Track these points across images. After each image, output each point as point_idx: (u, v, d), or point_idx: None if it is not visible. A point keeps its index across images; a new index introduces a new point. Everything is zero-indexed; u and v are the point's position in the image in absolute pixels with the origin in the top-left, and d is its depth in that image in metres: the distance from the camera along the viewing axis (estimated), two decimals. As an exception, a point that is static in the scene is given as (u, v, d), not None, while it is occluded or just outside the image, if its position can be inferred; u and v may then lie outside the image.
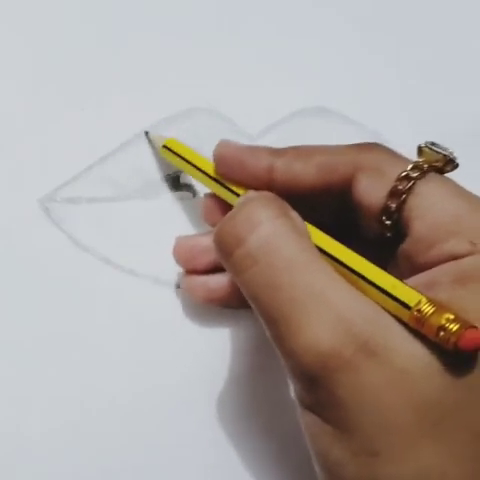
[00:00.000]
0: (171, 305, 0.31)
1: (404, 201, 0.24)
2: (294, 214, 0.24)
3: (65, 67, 0.34)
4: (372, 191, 0.24)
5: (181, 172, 0.32)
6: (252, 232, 0.22)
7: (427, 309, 0.20)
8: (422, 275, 0.23)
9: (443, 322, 0.19)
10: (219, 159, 0.27)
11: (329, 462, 0.21)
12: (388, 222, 0.24)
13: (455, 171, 0.25)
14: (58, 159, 0.32)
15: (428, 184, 0.24)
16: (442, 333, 0.19)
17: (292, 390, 0.22)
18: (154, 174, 0.32)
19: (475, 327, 0.19)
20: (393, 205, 0.24)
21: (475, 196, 0.24)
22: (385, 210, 0.24)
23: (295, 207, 0.24)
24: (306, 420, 0.22)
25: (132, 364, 0.30)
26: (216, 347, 0.30)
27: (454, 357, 0.20)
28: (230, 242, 0.23)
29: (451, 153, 0.25)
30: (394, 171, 0.24)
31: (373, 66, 0.35)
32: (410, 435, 0.20)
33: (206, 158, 0.29)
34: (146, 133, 0.33)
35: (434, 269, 0.22)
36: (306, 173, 0.25)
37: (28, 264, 0.31)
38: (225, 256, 0.23)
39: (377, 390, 0.20)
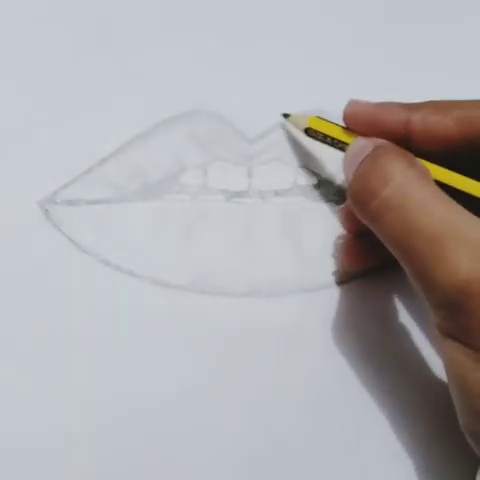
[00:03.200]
0: (171, 306, 0.31)
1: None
2: (420, 163, 0.25)
3: (65, 68, 0.34)
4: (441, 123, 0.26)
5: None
6: (386, 185, 0.24)
7: None
8: None
9: None
10: (351, 117, 0.29)
11: (469, 384, 0.22)
12: None
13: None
14: (58, 161, 0.32)
15: None
16: None
17: (432, 322, 0.24)
18: (154, 176, 0.32)
19: None
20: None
21: None
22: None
23: (433, 162, 0.26)
24: (447, 347, 0.23)
25: (132, 365, 0.30)
26: (216, 347, 0.30)
27: None
28: (365, 196, 0.25)
29: None
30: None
31: (373, 68, 0.35)
32: None
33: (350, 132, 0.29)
34: (286, 116, 0.32)
35: None
36: (444, 126, 0.26)
37: (28, 266, 0.31)
38: (361, 208, 0.25)
39: None
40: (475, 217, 0.23)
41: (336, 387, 0.30)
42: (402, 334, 0.30)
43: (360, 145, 0.27)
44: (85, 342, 0.30)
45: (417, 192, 0.24)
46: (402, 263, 0.24)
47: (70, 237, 0.31)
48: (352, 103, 0.29)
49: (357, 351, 0.30)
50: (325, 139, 0.30)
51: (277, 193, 0.32)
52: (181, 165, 0.33)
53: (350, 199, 0.26)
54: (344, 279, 0.31)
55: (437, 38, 0.36)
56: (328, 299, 0.31)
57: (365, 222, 0.25)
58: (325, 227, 0.32)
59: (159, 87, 0.34)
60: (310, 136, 0.31)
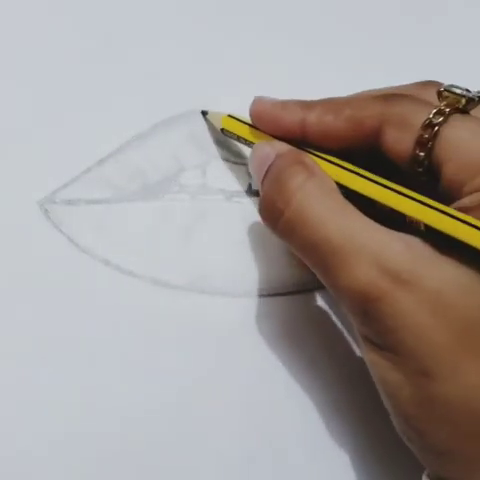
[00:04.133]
0: (171, 306, 0.31)
1: (431, 148, 0.25)
2: (318, 171, 0.26)
3: (65, 69, 0.34)
4: (399, 143, 0.26)
5: None
6: (288, 204, 0.25)
7: None
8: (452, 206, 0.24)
9: None
10: (257, 115, 0.29)
11: (388, 386, 0.23)
12: (420, 169, 0.25)
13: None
14: (57, 161, 0.32)
15: (452, 127, 0.24)
16: None
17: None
18: (153, 176, 0.32)
19: None
20: (421, 154, 0.25)
21: None
22: (414, 159, 0.25)
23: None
24: (366, 350, 0.24)
25: (132, 365, 0.30)
26: (216, 347, 0.30)
27: None
28: (272, 216, 0.26)
29: (469, 91, 0.25)
30: (418, 120, 0.25)
31: (373, 68, 0.35)
32: (453, 354, 0.21)
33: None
34: (204, 113, 0.33)
35: (462, 200, 0.24)
36: (336, 126, 0.27)
37: (27, 266, 0.31)
38: (271, 227, 0.26)
39: (415, 314, 0.22)
40: (371, 221, 0.24)
41: (336, 386, 0.30)
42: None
43: (262, 153, 0.28)
44: (85, 342, 0.30)
45: (316, 206, 0.24)
46: (317, 275, 0.25)
47: (70, 237, 0.31)
48: (257, 101, 0.29)
49: (356, 350, 0.30)
50: (238, 139, 0.31)
51: None
52: (180, 165, 0.33)
53: (260, 214, 0.27)
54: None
55: (437, 39, 0.36)
56: (327, 299, 0.31)
57: (279, 237, 0.26)
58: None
59: (159, 87, 0.34)
60: (226, 135, 0.32)
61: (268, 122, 0.29)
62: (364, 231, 0.23)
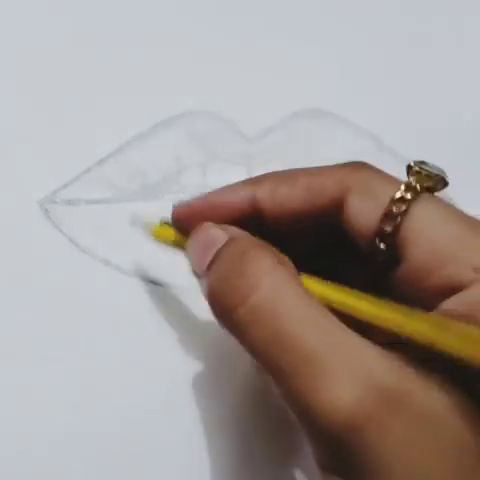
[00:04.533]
0: (171, 306, 0.31)
1: (399, 225, 0.22)
2: (286, 259, 0.22)
3: (64, 69, 0.34)
4: (364, 214, 0.23)
5: None
6: (254, 290, 0.21)
7: None
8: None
9: None
10: (185, 218, 0.26)
11: None
12: (383, 246, 0.23)
13: (456, 176, 0.24)
14: (57, 161, 0.32)
15: (423, 206, 0.22)
16: None
17: (310, 452, 0.21)
18: (153, 176, 0.32)
19: None
20: (388, 228, 0.22)
21: (473, 218, 0.22)
22: (379, 234, 0.23)
23: (283, 235, 0.24)
24: (327, 478, 0.20)
25: (132, 365, 0.30)
26: (216, 347, 0.30)
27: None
28: (229, 301, 0.21)
29: (442, 172, 0.24)
30: (385, 192, 0.23)
31: (373, 68, 0.35)
32: None
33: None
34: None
35: (440, 306, 0.21)
36: (293, 197, 0.24)
37: (28, 266, 0.31)
38: (224, 316, 0.21)
39: (402, 446, 0.18)
40: (351, 331, 0.20)
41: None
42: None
43: (208, 236, 0.23)
44: (85, 342, 0.30)
45: (289, 297, 0.20)
46: (273, 381, 0.20)
47: (70, 237, 0.31)
48: (178, 207, 0.26)
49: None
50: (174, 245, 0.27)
51: None
52: (180, 165, 0.33)
53: (208, 302, 0.22)
54: None
55: (438, 40, 0.36)
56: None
57: (226, 329, 0.22)
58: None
59: (158, 87, 0.34)
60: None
61: (206, 215, 0.25)
62: (348, 340, 0.20)
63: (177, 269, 0.30)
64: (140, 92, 0.34)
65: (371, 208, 0.23)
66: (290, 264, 0.22)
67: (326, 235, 0.25)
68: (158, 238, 0.28)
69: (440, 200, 0.23)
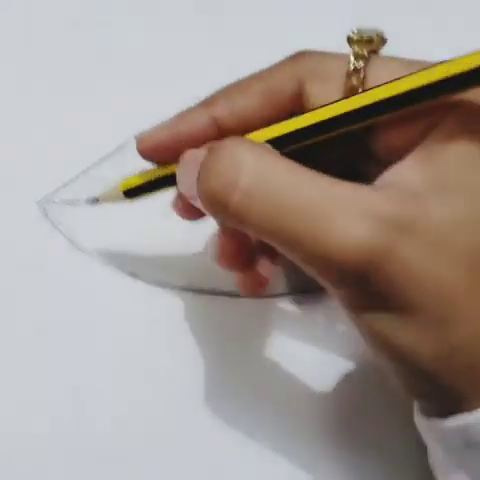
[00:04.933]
0: (171, 307, 0.31)
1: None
2: (261, 142, 0.23)
3: (64, 69, 0.35)
4: (326, 96, 0.23)
5: None
6: (241, 172, 0.21)
7: None
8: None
9: None
10: (151, 151, 0.26)
11: (399, 351, 0.21)
12: None
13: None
14: (56, 161, 0.32)
15: (378, 69, 0.23)
16: None
17: (338, 302, 0.22)
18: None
19: None
20: None
21: (427, 62, 0.22)
22: None
23: None
24: (366, 322, 0.21)
25: (131, 365, 0.30)
26: (216, 347, 0.30)
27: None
28: (222, 193, 0.21)
29: (379, 31, 0.24)
30: (338, 70, 0.23)
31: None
32: (468, 294, 0.20)
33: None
34: (95, 201, 0.30)
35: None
36: (251, 106, 0.24)
37: (27, 266, 0.31)
38: (222, 209, 0.21)
39: (422, 261, 0.20)
40: (338, 180, 0.21)
41: (336, 385, 0.30)
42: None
43: (190, 157, 0.24)
44: (85, 341, 0.30)
45: (278, 171, 0.21)
46: (290, 255, 0.21)
47: (68, 237, 0.31)
48: (142, 137, 0.26)
49: (355, 349, 0.30)
50: (151, 189, 0.27)
51: None
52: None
53: (205, 207, 0.22)
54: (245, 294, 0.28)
55: (438, 39, 0.36)
56: (327, 299, 0.31)
57: (232, 224, 0.22)
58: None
59: (158, 87, 0.34)
60: (133, 198, 0.28)
61: (172, 147, 0.25)
62: (339, 186, 0.21)
63: (177, 269, 0.30)
64: (140, 92, 0.34)
65: (330, 90, 0.23)
66: (268, 146, 0.23)
67: None
68: (130, 187, 0.28)
69: (390, 57, 0.24)
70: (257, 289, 0.27)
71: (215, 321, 0.31)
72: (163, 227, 0.32)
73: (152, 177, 0.27)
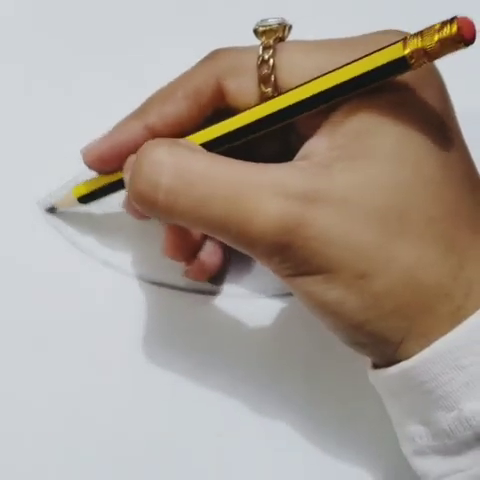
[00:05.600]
0: (171, 306, 0.31)
1: (275, 81, 0.25)
2: (182, 140, 0.25)
3: (64, 69, 0.35)
4: (243, 90, 0.25)
5: None
6: (161, 172, 0.23)
7: (416, 40, 0.21)
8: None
9: (439, 33, 0.20)
10: (96, 161, 0.28)
11: (329, 307, 0.23)
12: None
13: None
14: (57, 161, 0.32)
15: (285, 56, 0.25)
16: (444, 37, 0.20)
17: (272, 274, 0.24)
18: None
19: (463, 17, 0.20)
20: (268, 89, 0.25)
21: (336, 41, 0.25)
22: (266, 98, 0.25)
23: None
24: (297, 286, 0.23)
25: (131, 364, 0.30)
26: (216, 347, 0.30)
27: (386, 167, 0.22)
28: (148, 193, 0.23)
29: (282, 19, 0.26)
30: (250, 62, 0.25)
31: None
32: (381, 246, 0.22)
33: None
34: (51, 210, 0.32)
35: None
36: (180, 110, 0.26)
37: (27, 266, 0.31)
38: (151, 208, 0.23)
39: (334, 225, 0.22)
40: (251, 163, 0.23)
41: (336, 385, 0.30)
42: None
43: (129, 162, 0.26)
44: (85, 341, 0.30)
45: (194, 165, 0.23)
46: (221, 238, 0.23)
47: (69, 237, 0.31)
48: (86, 151, 0.28)
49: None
50: (101, 194, 0.29)
51: None
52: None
53: (138, 207, 0.24)
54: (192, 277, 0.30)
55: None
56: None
57: (164, 220, 0.25)
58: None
59: (159, 87, 0.34)
60: (86, 203, 0.30)
61: (114, 156, 0.27)
62: (252, 170, 0.23)
63: (177, 269, 0.30)
64: (141, 92, 0.34)
65: (246, 83, 0.25)
66: (188, 141, 0.25)
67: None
68: (81, 194, 0.30)
69: (296, 42, 0.26)
70: (201, 276, 0.30)
71: (215, 321, 0.31)
72: (163, 227, 0.32)
73: (101, 184, 0.29)
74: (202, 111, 0.26)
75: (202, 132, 0.25)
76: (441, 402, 0.22)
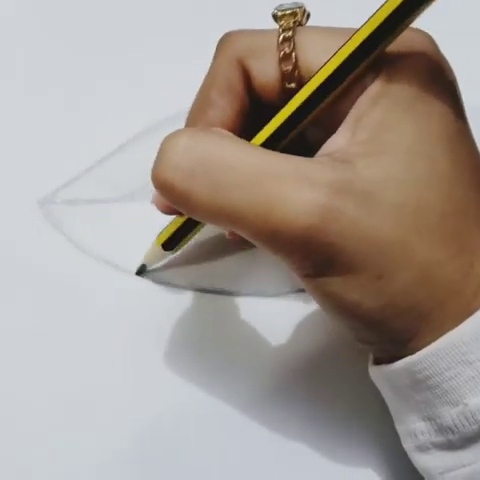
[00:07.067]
0: (171, 306, 0.31)
1: (296, 60, 0.25)
2: (207, 127, 0.25)
3: (64, 68, 0.35)
4: (266, 69, 0.25)
5: None
6: (182, 156, 0.22)
7: None
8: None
9: None
10: (166, 205, 0.27)
11: (347, 308, 0.22)
12: (292, 85, 0.25)
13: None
14: (57, 161, 0.32)
15: (304, 35, 0.25)
16: None
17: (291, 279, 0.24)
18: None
19: None
20: (289, 67, 0.25)
21: (346, 29, 0.24)
22: (285, 77, 0.25)
23: None
24: (314, 286, 0.23)
25: (131, 364, 0.30)
26: (217, 347, 0.30)
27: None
28: (167, 178, 0.22)
29: (301, 4, 0.26)
30: (269, 41, 0.25)
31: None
32: (402, 242, 0.22)
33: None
34: (140, 272, 0.32)
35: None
36: (223, 111, 0.26)
37: (28, 265, 0.31)
38: (170, 192, 0.23)
39: (358, 220, 0.21)
40: (277, 152, 0.23)
41: (336, 384, 0.30)
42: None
43: None
44: (85, 341, 0.30)
45: (214, 150, 0.22)
46: (238, 232, 0.22)
47: (69, 237, 0.31)
48: (154, 197, 0.27)
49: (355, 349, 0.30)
50: (184, 233, 0.28)
51: None
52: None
53: (160, 193, 0.23)
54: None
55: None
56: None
57: (186, 211, 0.23)
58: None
59: (159, 86, 0.34)
60: (171, 249, 0.29)
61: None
62: (276, 158, 0.22)
63: (177, 268, 0.30)
64: (141, 91, 0.34)
65: (268, 61, 0.25)
66: (214, 129, 0.24)
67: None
68: (165, 240, 0.29)
69: (314, 27, 0.26)
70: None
71: (216, 321, 0.31)
72: (163, 227, 0.32)
73: (179, 223, 0.28)
74: (243, 102, 0.26)
75: (262, 131, 0.24)
76: (446, 397, 0.22)
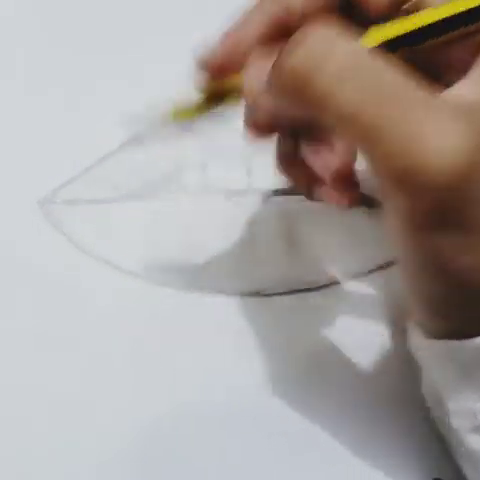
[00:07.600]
0: (171, 306, 0.31)
1: None
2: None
3: (64, 68, 0.35)
4: None
5: None
6: (333, 51, 0.19)
7: None
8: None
9: None
10: (216, 68, 0.24)
11: (458, 274, 0.20)
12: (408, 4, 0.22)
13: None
14: (57, 161, 0.32)
15: None
16: None
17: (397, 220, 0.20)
18: (153, 175, 0.32)
19: None
20: None
21: None
22: None
23: None
24: (426, 241, 0.20)
25: (131, 364, 0.30)
26: (217, 347, 0.30)
27: None
28: (307, 72, 0.19)
29: None
30: None
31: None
32: None
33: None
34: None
35: None
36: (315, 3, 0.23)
37: (27, 265, 0.31)
38: (303, 90, 0.19)
39: None
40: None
41: (336, 384, 0.30)
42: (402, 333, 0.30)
43: (260, 52, 0.22)
44: (85, 341, 0.30)
45: (372, 59, 0.19)
46: (370, 153, 0.19)
47: (69, 236, 0.31)
48: (208, 62, 0.25)
49: (355, 349, 0.30)
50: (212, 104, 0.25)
51: (276, 192, 0.32)
52: (180, 164, 0.33)
53: (281, 85, 0.20)
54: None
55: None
56: (328, 298, 0.31)
57: (304, 107, 0.20)
58: (324, 226, 0.32)
59: (159, 86, 0.34)
60: (177, 123, 0.26)
61: (238, 55, 0.23)
62: (425, 91, 0.19)
63: (177, 268, 0.30)
64: (141, 91, 0.34)
65: None
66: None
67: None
68: (179, 117, 0.26)
69: None
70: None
71: (215, 321, 0.31)
72: (163, 226, 0.32)
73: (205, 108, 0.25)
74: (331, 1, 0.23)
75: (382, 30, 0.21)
76: None
